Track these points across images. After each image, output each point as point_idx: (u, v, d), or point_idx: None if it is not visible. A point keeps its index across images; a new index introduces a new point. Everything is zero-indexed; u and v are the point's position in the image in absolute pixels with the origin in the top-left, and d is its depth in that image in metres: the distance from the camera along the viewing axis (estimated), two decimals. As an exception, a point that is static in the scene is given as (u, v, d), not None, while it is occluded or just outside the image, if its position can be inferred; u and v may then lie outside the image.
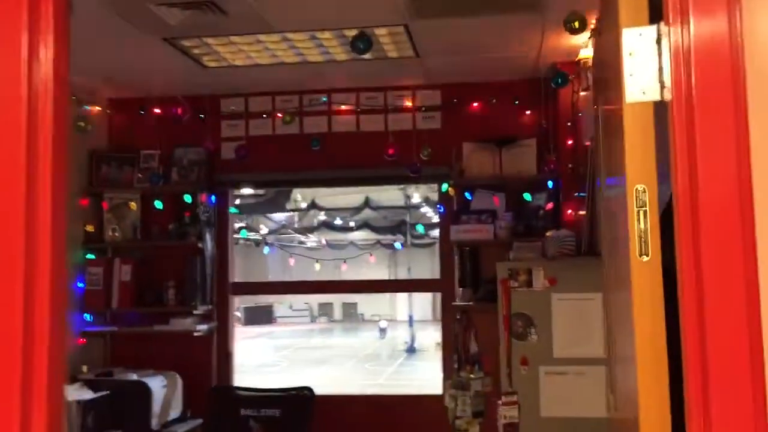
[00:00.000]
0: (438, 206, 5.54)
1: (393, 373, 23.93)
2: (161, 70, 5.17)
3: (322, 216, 31.93)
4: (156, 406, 5.03)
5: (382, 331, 37.60)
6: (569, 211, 5.03)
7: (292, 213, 30.32)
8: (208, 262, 5.48)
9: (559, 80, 3.89)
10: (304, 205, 30.27)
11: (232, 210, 5.78)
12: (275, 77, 5.34)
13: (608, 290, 2.45)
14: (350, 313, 46.88)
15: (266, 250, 26.85)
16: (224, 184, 5.69)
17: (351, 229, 30.54)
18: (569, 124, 5.06)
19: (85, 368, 5.32)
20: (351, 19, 4.23)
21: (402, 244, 34.88)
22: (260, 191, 25.82)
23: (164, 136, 5.60)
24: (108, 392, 4.92)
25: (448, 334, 5.44)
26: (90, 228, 5.49)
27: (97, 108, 5.60)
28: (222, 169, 5.69)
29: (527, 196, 5.23)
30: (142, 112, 5.58)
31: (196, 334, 5.36)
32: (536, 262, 4.31)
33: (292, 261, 25.70)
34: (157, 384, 5.09)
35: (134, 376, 5.11)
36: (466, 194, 5.35)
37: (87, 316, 5.44)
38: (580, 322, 4.15)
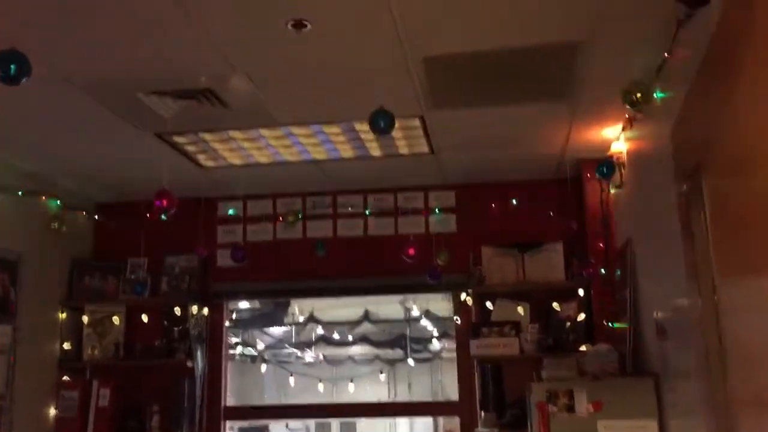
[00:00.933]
0: (454, 317, 4.95)
1: (393, 495, 22.41)
2: (152, 170, 4.69)
3: (320, 330, 31.20)
4: None
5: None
6: (604, 322, 4.44)
7: (289, 327, 29.58)
8: (198, 382, 4.82)
9: (605, 170, 3.38)
10: (301, 318, 29.60)
11: (227, 324, 5.18)
12: (276, 177, 4.87)
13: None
14: (348, 431, 44.94)
15: (263, 367, 25.84)
16: (219, 296, 5.10)
17: (349, 344, 29.75)
18: (599, 225, 4.55)
19: None
20: (361, 113, 3.80)
21: (409, 358, 33.90)
22: (257, 304, 25.21)
23: (154, 243, 5.07)
24: None
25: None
26: (67, 345, 4.86)
27: (83, 213, 5.09)
28: (217, 278, 5.13)
29: (555, 306, 4.65)
30: (130, 217, 5.06)
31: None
32: (578, 382, 3.68)
33: (292, 380, 24.69)
34: None
35: None
36: (487, 304, 4.77)
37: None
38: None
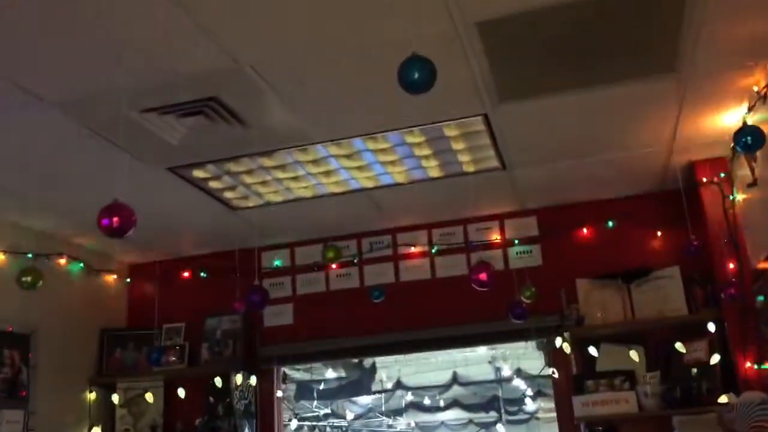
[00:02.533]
0: (550, 370, 3.96)
1: None
2: (181, 219, 3.99)
3: (409, 396, 29.88)
4: None
5: None
6: (748, 364, 3.38)
7: (377, 395, 28.41)
8: (249, 468, 3.97)
9: (749, 139, 2.33)
10: (389, 385, 28.43)
11: (280, 394, 4.33)
12: (323, 216, 4.08)
13: None
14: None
15: (352, 437, 24.58)
16: (269, 361, 4.28)
17: (440, 409, 28.29)
18: (726, 240, 3.54)
19: None
20: (411, 117, 2.99)
21: (501, 422, 31.97)
22: (342, 373, 24.28)
23: (192, 305, 4.35)
24: None
25: None
26: (97, 430, 4.10)
27: (113, 276, 4.42)
28: (266, 341, 4.32)
29: (679, 347, 3.61)
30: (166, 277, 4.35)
31: None
32: (732, 446, 2.65)
33: None
34: None
35: None
36: (590, 350, 3.77)
37: None
38: None
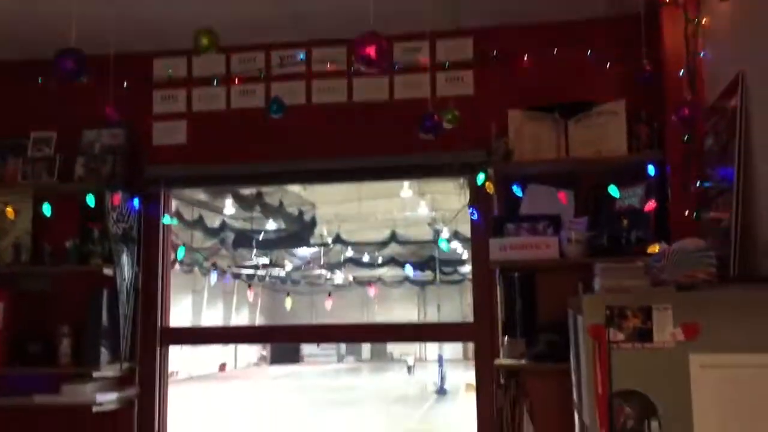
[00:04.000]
0: (469, 210, 3.51)
1: (422, 417, 21.68)
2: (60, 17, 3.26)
3: (348, 252, 30.00)
4: None
5: (409, 368, 35.22)
6: (686, 212, 2.97)
7: (317, 248, 28.41)
8: (124, 296, 3.49)
9: None
10: (329, 239, 28.40)
11: (167, 220, 3.80)
12: (229, 23, 3.39)
13: None
14: (379, 353, 44.55)
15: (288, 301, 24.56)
16: (156, 182, 3.71)
17: (378, 266, 28.50)
18: (682, 72, 3.02)
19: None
20: None
21: (432, 281, 32.65)
22: (282, 225, 24.02)
23: (67, 113, 3.70)
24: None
25: (486, 409, 3.37)
26: (-51, 246, 3.54)
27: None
28: (153, 159, 3.74)
29: (613, 191, 3.17)
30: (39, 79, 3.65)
31: (96, 408, 3.33)
32: (657, 295, 2.24)
33: (329, 303, 23.07)
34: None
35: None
36: (515, 189, 3.31)
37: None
38: (749, 412, 2.08)
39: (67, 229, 3.58)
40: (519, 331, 3.24)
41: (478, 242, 3.49)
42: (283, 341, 3.45)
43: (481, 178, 3.31)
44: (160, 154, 3.73)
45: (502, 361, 3.22)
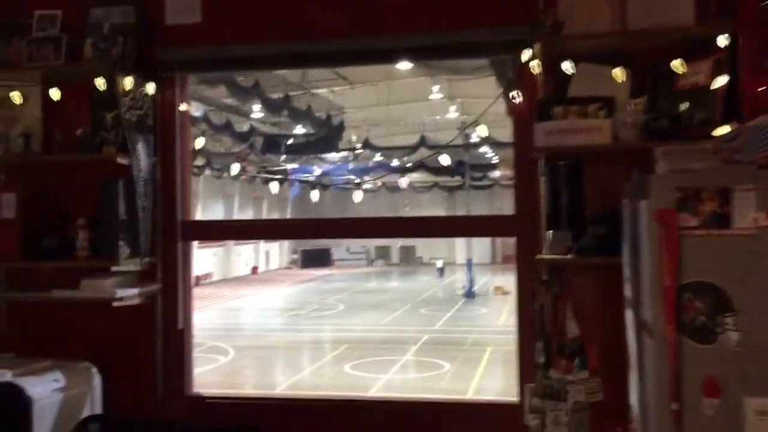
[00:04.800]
0: (510, 94, 3.17)
1: (450, 318, 21.92)
2: None
3: (377, 156, 29.64)
4: (41, 425, 2.90)
5: (439, 270, 35.46)
6: (760, 89, 2.60)
7: (345, 153, 28.10)
8: (141, 187, 3.26)
9: None
10: (358, 145, 28.03)
11: (184, 107, 3.51)
12: None
13: None
14: (408, 257, 44.93)
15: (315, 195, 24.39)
16: (170, 66, 3.41)
17: (407, 170, 28.18)
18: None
19: (-51, 355, 3.22)
20: None
21: (461, 185, 32.28)
22: (310, 129, 23.66)
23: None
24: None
25: (527, 307, 3.14)
26: (-45, 135, 3.32)
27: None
28: (166, 42, 3.42)
29: (676, 66, 2.80)
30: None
31: (117, 303, 3.17)
32: (740, 175, 1.93)
33: (358, 195, 22.73)
34: (43, 389, 2.95)
35: (8, 375, 2.96)
36: (564, 68, 2.95)
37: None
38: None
39: (78, 117, 3.33)
40: (565, 224, 2.96)
41: (521, 129, 3.16)
42: (310, 236, 3.23)
43: (525, 55, 2.95)
44: (173, 34, 3.41)
45: (545, 255, 2.95)
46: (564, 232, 2.95)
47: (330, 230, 3.59)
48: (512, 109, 3.22)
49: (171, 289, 3.41)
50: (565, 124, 2.89)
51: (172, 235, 3.41)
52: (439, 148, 24.66)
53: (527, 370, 3.10)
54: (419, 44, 3.21)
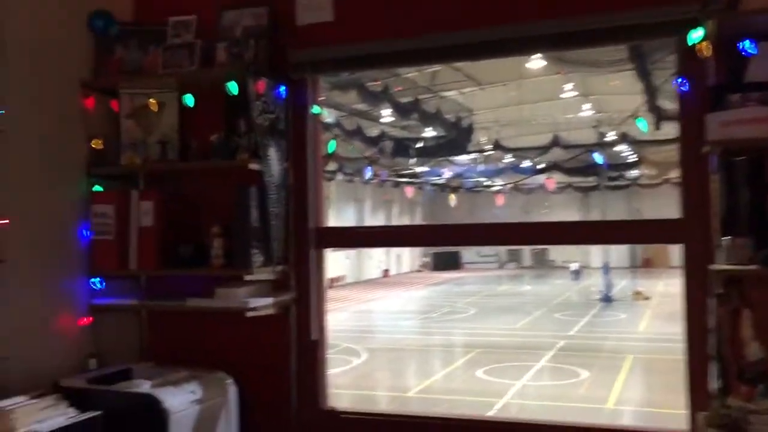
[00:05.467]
0: (678, 79, 2.77)
1: (586, 324, 21.02)
2: None
3: (508, 158, 28.97)
4: (177, 439, 2.82)
5: (575, 273, 34.12)
6: None
7: (475, 155, 27.68)
8: (274, 195, 3.14)
9: None
10: (488, 146, 27.54)
11: (316, 110, 3.38)
12: None
13: None
14: (540, 260, 43.69)
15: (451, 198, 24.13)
16: (301, 68, 3.27)
17: (539, 171, 27.35)
18: None
19: (93, 362, 3.24)
20: None
21: (596, 186, 30.85)
22: (439, 132, 23.47)
23: (207, -7, 3.31)
24: (98, 413, 2.78)
25: (697, 324, 2.73)
26: (97, 144, 3.33)
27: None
28: (298, 43, 3.29)
29: None
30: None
31: (250, 313, 3.05)
32: None
33: (500, 199, 22.18)
34: (180, 400, 2.87)
35: (143, 386, 2.92)
36: (742, 48, 2.53)
37: (97, 281, 3.32)
38: None
39: (213, 123, 3.25)
40: (744, 230, 2.54)
41: (688, 120, 2.77)
42: (445, 243, 2.99)
43: (695, 35, 2.56)
44: (305, 35, 3.27)
45: (722, 266, 2.54)
46: (744, 238, 2.53)
47: (473, 237, 3.32)
48: (676, 100, 2.82)
49: (304, 298, 3.26)
50: (743, 113, 2.48)
51: (304, 242, 3.27)
52: (573, 148, 23.72)
53: (699, 396, 2.71)
54: (567, 30, 2.88)
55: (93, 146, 3.31)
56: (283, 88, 3.22)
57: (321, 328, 3.32)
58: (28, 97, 3.02)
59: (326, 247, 3.33)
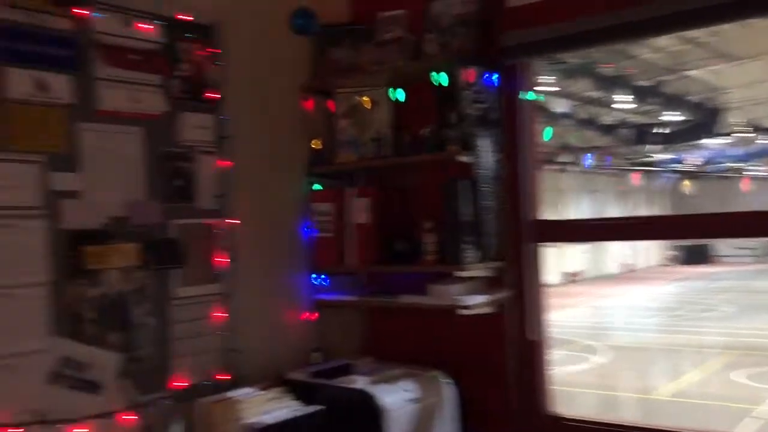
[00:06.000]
0: None
1: None
2: None
3: (762, 139, 25.81)
4: (393, 438, 2.78)
5: None
6: None
7: (724, 139, 25.02)
8: (486, 188, 2.99)
9: None
10: (739, 127, 24.75)
11: (531, 96, 3.15)
12: None
13: None
14: (807, 253, 38.39)
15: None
16: (512, 52, 3.08)
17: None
18: None
19: (317, 356, 3.34)
20: None
21: None
22: (682, 116, 21.54)
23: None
24: (321, 407, 2.84)
25: None
26: (316, 144, 3.42)
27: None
28: (509, 25, 3.10)
29: None
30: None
31: (462, 311, 2.93)
32: None
33: (746, 185, 19.80)
34: (395, 398, 2.83)
35: (360, 382, 2.92)
36: None
37: (320, 277, 3.41)
38: None
39: (424, 116, 3.17)
40: None
41: None
42: (683, 236, 2.62)
43: None
44: (516, 17, 3.07)
45: None
46: None
47: (717, 228, 2.88)
48: None
49: (520, 296, 3.07)
50: None
51: (520, 236, 3.07)
52: None
53: None
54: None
55: (313, 146, 3.40)
56: (495, 76, 3.05)
57: (540, 328, 3.10)
58: (253, 102, 3.17)
59: (544, 241, 3.10)
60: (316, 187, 3.39)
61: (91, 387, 2.55)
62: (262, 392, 2.88)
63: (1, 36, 2.39)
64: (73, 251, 2.54)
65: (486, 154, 3.00)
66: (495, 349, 3.09)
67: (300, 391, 2.92)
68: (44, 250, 2.47)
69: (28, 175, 2.44)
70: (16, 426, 2.35)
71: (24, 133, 2.43)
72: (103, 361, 2.60)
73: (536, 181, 3.14)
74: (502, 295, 3.06)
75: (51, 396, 2.45)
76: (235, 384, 2.93)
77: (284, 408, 2.81)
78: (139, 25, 2.79)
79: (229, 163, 3.03)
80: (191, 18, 2.95)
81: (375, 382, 2.90)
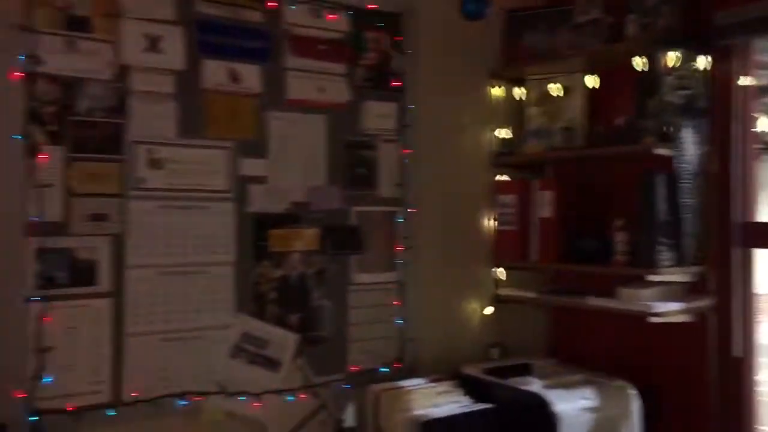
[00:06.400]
0: None
1: None
2: None
3: None
4: (566, 448, 2.60)
5: None
6: None
7: None
8: (688, 184, 2.68)
9: None
10: None
11: (748, 81, 2.74)
12: None
13: None
14: None
15: None
16: (724, 31, 2.71)
17: None
18: None
19: (495, 352, 3.23)
20: None
21: None
22: None
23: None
24: (491, 405, 2.73)
25: None
26: (504, 133, 3.28)
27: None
28: (720, 3, 2.74)
29: None
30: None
31: (654, 319, 2.65)
32: None
33: None
34: (571, 406, 2.65)
35: (535, 384, 2.76)
36: None
37: (501, 271, 3.29)
38: None
39: (621, 104, 2.92)
40: None
41: None
42: None
43: None
44: (729, -5, 2.70)
45: None
46: None
47: None
48: None
49: (725, 306, 2.72)
50: None
51: (727, 239, 2.71)
52: None
53: None
54: None
55: (499, 135, 3.27)
56: (703, 59, 2.71)
57: (748, 344, 2.72)
58: (437, 90, 3.11)
59: (759, 246, 2.71)
60: (502, 178, 3.26)
61: (270, 363, 2.67)
62: (434, 384, 2.84)
63: (200, 30, 2.55)
64: (259, 234, 2.65)
65: (689, 146, 2.68)
66: (692, 363, 2.77)
67: (472, 387, 2.83)
68: (233, 232, 2.61)
69: (220, 160, 2.59)
70: (200, 394, 2.51)
71: (217, 121, 2.57)
72: (282, 340, 2.70)
73: (751, 178, 2.75)
74: (702, 303, 2.73)
75: (232, 369, 2.59)
76: (408, 373, 2.91)
77: (453, 403, 2.74)
78: (330, 15, 2.83)
79: (410, 151, 3.00)
80: (377, 6, 2.95)
81: (551, 386, 2.73)
